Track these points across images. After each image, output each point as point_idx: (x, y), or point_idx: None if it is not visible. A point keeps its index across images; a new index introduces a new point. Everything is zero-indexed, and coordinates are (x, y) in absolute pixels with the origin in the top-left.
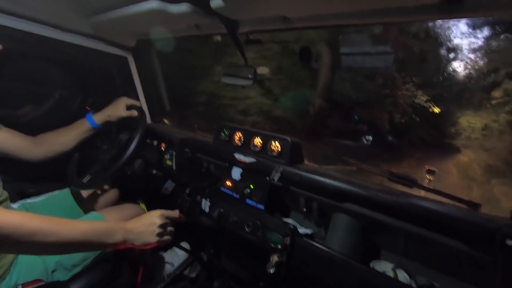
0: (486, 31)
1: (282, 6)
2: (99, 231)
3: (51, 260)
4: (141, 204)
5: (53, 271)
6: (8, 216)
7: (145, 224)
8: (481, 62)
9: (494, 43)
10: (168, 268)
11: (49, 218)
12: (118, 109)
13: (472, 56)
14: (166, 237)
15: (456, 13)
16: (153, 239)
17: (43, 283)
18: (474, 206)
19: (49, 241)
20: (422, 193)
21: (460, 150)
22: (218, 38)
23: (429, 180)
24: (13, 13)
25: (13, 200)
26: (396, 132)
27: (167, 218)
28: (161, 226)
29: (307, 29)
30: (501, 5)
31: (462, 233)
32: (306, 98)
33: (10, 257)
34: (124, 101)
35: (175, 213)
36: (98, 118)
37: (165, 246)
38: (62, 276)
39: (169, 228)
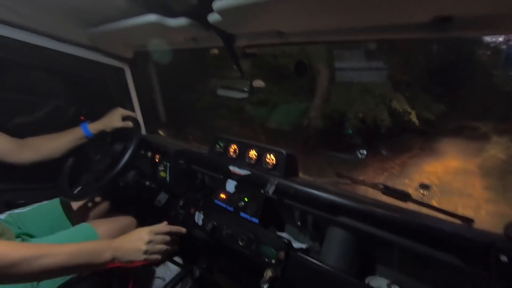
0: None
1: (278, 22)
2: (86, 252)
3: None
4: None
5: (38, 284)
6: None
7: (132, 241)
8: None
9: None
10: (158, 283)
11: (32, 245)
12: (113, 119)
13: None
14: (155, 256)
15: (446, 32)
16: (140, 256)
17: None
18: (467, 221)
19: (34, 269)
20: (416, 207)
21: None
22: (215, 51)
23: (423, 194)
24: (10, 23)
25: (0, 211)
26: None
27: (157, 234)
28: (149, 242)
29: (302, 44)
30: (490, 25)
31: (456, 248)
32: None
33: None
34: (120, 112)
35: (165, 227)
36: (93, 127)
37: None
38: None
39: (158, 246)
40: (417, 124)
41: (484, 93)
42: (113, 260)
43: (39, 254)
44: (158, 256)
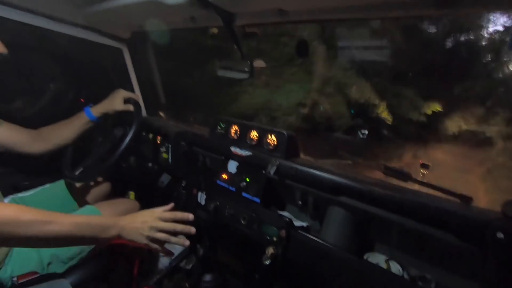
0: None
1: None
2: (93, 226)
3: (47, 252)
4: (131, 194)
5: (48, 264)
6: (3, 208)
7: (136, 222)
8: None
9: None
10: (164, 261)
11: (42, 211)
12: (115, 102)
13: None
14: (154, 244)
15: (453, 8)
16: (142, 239)
17: (38, 275)
18: (466, 199)
19: (45, 233)
20: (416, 186)
21: None
22: (215, 31)
23: (423, 174)
24: (4, 1)
25: (5, 194)
26: None
27: (162, 220)
28: (151, 228)
29: (304, 22)
30: (496, 1)
31: (454, 226)
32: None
33: (4, 249)
34: (122, 94)
35: (171, 214)
36: (96, 111)
37: None
38: (57, 268)
39: (159, 235)
40: (388, 121)
41: (486, 88)
42: (118, 236)
43: (48, 220)
44: (157, 246)
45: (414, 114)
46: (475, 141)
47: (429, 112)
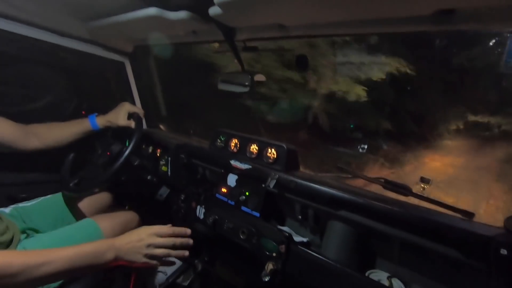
0: None
1: (279, 15)
2: (88, 254)
3: None
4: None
5: None
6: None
7: (132, 242)
8: None
9: None
10: (160, 277)
11: (32, 253)
12: (119, 117)
13: None
14: (154, 261)
15: (448, 25)
16: (140, 258)
17: None
18: (468, 215)
19: (37, 277)
20: (417, 201)
21: None
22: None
23: (423, 188)
24: (10, 16)
25: (4, 205)
26: None
27: (158, 236)
28: (149, 246)
29: (303, 37)
30: (493, 18)
31: (456, 242)
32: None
33: None
34: (126, 108)
35: (168, 229)
36: (100, 121)
37: None
38: (53, 284)
39: (158, 251)
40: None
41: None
42: (115, 259)
43: (41, 262)
44: (157, 262)
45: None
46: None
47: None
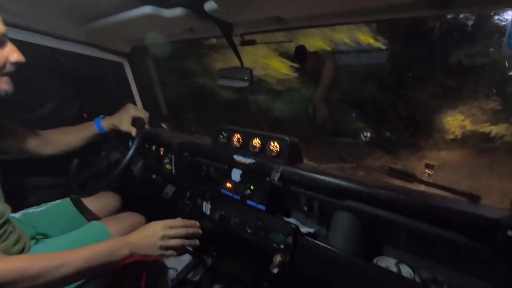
0: None
1: (276, 7)
2: (104, 253)
3: None
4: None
5: None
6: (10, 262)
7: (147, 236)
8: None
9: None
10: (171, 273)
11: (50, 255)
12: (122, 121)
13: None
14: (170, 251)
15: (446, 8)
16: (156, 251)
17: None
18: (474, 198)
19: (56, 279)
20: (422, 187)
21: None
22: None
23: (428, 174)
24: (6, 22)
25: (14, 211)
26: None
27: (171, 228)
28: (163, 237)
29: (302, 28)
30: (490, 1)
31: (463, 226)
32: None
33: None
34: (131, 112)
35: (178, 221)
36: (106, 124)
37: None
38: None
39: (173, 241)
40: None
41: None
42: (130, 255)
43: (59, 264)
44: (173, 252)
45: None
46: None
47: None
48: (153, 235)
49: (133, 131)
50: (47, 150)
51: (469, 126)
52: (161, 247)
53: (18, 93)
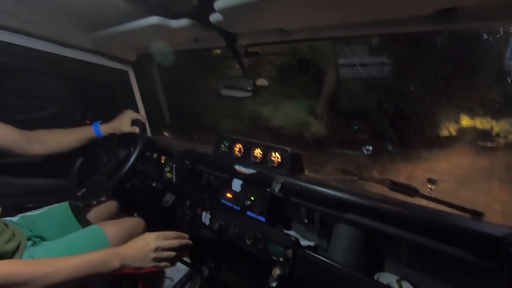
0: None
1: (280, 19)
2: (93, 263)
3: None
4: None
5: None
6: (10, 265)
7: (139, 248)
8: None
9: None
10: (167, 283)
11: (38, 262)
12: (123, 124)
13: None
14: (163, 263)
15: (450, 24)
16: (148, 263)
17: None
18: (477, 215)
19: (43, 284)
20: (424, 202)
21: None
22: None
23: (430, 189)
24: (15, 29)
25: (12, 214)
26: None
27: (164, 239)
28: (156, 249)
29: (304, 41)
30: (495, 16)
31: (466, 243)
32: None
33: None
34: (130, 115)
35: (172, 233)
36: (104, 129)
37: None
38: None
39: (166, 253)
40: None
41: None
42: (121, 267)
43: (46, 272)
44: (166, 263)
45: None
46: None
47: None
48: (146, 245)
49: (135, 129)
50: (33, 149)
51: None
52: (155, 259)
53: (22, 98)
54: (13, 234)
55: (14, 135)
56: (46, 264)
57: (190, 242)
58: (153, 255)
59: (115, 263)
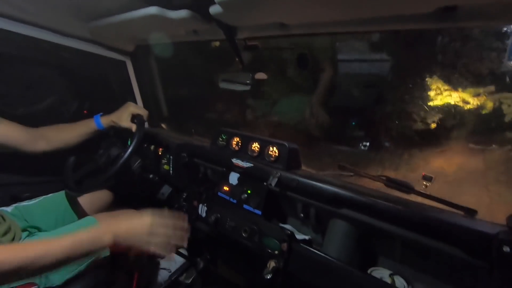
0: None
1: (280, 13)
2: (86, 241)
3: None
4: None
5: (47, 276)
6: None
7: (133, 227)
8: None
9: None
10: (163, 274)
11: (31, 245)
12: (122, 117)
13: None
14: (157, 250)
15: (450, 22)
16: (140, 245)
17: (36, 287)
18: (470, 212)
19: (37, 268)
20: (419, 199)
21: None
22: (216, 44)
23: (425, 186)
24: (12, 17)
25: (7, 204)
26: None
27: (161, 226)
28: (150, 233)
29: (304, 36)
30: (496, 15)
31: (459, 240)
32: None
33: None
34: (130, 109)
35: (170, 222)
36: (105, 121)
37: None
38: (55, 280)
39: (161, 240)
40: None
41: None
42: (114, 243)
43: (40, 255)
44: (160, 252)
45: None
46: None
47: None
48: (141, 228)
49: (133, 127)
50: (38, 146)
51: None
52: (147, 243)
53: (18, 87)
54: (10, 227)
55: (20, 134)
56: (39, 246)
57: (188, 234)
58: (146, 238)
59: (107, 239)
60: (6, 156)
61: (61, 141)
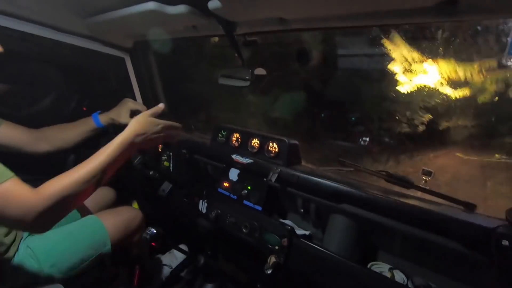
0: None
1: (280, 8)
2: (115, 147)
3: (47, 263)
4: (133, 204)
5: (48, 273)
6: (45, 189)
7: (148, 132)
8: None
9: None
10: (165, 270)
11: (75, 169)
12: (121, 114)
13: None
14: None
15: (451, 16)
16: (151, 145)
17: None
18: (470, 206)
19: (89, 185)
20: (419, 194)
21: None
22: (215, 39)
23: (425, 181)
24: (10, 13)
25: None
26: None
27: (157, 124)
28: (152, 125)
29: (304, 30)
30: (496, 8)
31: (458, 234)
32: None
33: (5, 258)
34: (129, 105)
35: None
36: (104, 119)
37: (163, 248)
38: (58, 275)
39: (160, 135)
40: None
41: None
42: (134, 140)
43: (83, 179)
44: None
45: None
46: None
47: None
48: (153, 127)
49: None
50: (40, 147)
51: None
52: (155, 141)
53: (17, 85)
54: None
55: (22, 135)
56: (83, 168)
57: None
58: (153, 137)
59: (131, 150)
60: (8, 156)
61: (61, 141)
